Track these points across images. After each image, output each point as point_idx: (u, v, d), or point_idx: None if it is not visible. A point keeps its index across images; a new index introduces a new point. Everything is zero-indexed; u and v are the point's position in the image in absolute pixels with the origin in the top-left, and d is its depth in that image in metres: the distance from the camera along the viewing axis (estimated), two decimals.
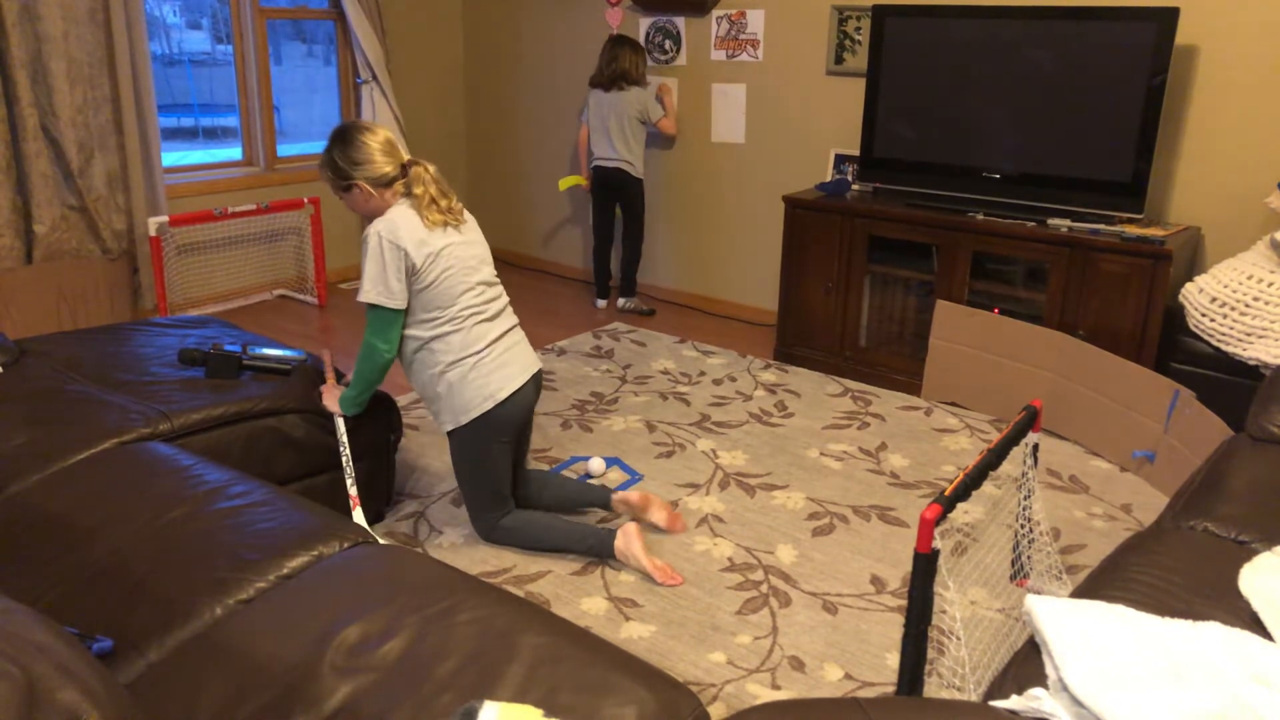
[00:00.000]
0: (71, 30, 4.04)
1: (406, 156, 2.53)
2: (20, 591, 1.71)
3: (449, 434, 2.60)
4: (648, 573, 2.56)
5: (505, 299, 2.64)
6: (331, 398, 2.60)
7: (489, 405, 2.51)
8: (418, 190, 2.47)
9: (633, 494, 2.81)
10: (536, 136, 5.56)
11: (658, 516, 2.80)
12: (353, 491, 2.58)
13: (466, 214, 2.61)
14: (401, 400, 3.70)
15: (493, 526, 2.69)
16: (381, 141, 2.47)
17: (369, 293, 2.42)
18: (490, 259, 2.62)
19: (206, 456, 2.19)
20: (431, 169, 2.52)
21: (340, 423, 2.60)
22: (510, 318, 2.64)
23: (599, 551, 2.62)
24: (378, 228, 2.43)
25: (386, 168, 2.46)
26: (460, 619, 1.55)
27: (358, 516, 2.57)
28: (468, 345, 2.50)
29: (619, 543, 2.59)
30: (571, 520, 2.69)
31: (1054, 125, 3.58)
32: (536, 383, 2.65)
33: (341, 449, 2.59)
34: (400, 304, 2.44)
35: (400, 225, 2.42)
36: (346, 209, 5.37)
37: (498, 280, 2.63)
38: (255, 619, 1.59)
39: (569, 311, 4.94)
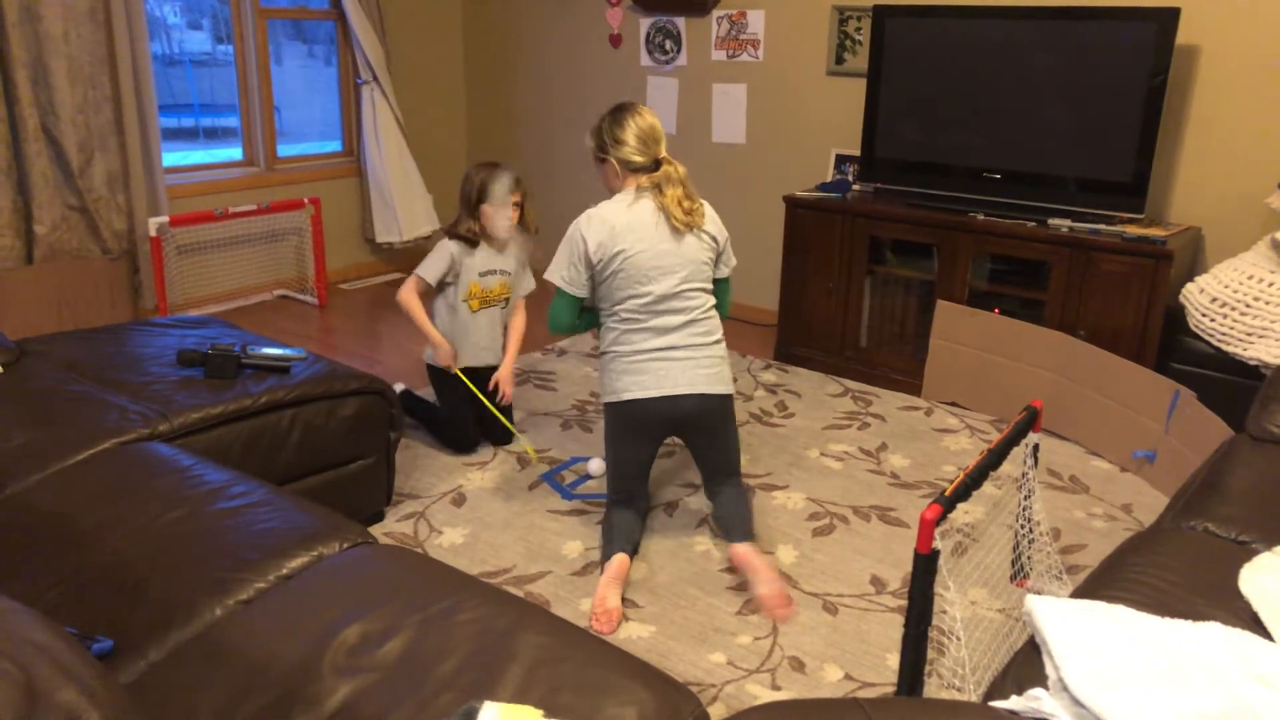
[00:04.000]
0: (72, 30, 4.04)
1: (662, 153, 2.58)
2: (20, 591, 1.71)
3: None
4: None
5: (688, 316, 2.57)
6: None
7: (614, 399, 2.61)
8: (668, 191, 2.54)
9: (741, 550, 2.54)
10: (536, 136, 5.57)
11: (762, 587, 2.48)
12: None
13: (707, 220, 2.60)
14: (398, 389, 3.70)
15: (608, 505, 2.75)
16: (643, 129, 2.56)
17: (550, 272, 2.62)
18: (697, 274, 2.57)
19: (206, 456, 2.18)
20: (681, 170, 2.57)
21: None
22: (685, 335, 2.57)
23: (601, 558, 2.61)
24: (581, 216, 2.57)
25: (637, 157, 2.55)
26: (460, 619, 1.55)
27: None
28: (617, 342, 2.60)
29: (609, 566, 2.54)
30: (621, 536, 2.61)
31: (1054, 125, 3.57)
32: (678, 404, 2.55)
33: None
34: (577, 291, 2.60)
35: (595, 217, 2.54)
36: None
37: (690, 294, 2.56)
38: (255, 619, 1.59)
39: None
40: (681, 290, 2.56)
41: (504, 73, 5.62)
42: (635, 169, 2.58)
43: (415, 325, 3.27)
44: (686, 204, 2.55)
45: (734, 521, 2.64)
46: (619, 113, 2.59)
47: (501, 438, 3.39)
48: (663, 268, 2.54)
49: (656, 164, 2.58)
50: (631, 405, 2.58)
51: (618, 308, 2.58)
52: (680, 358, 2.57)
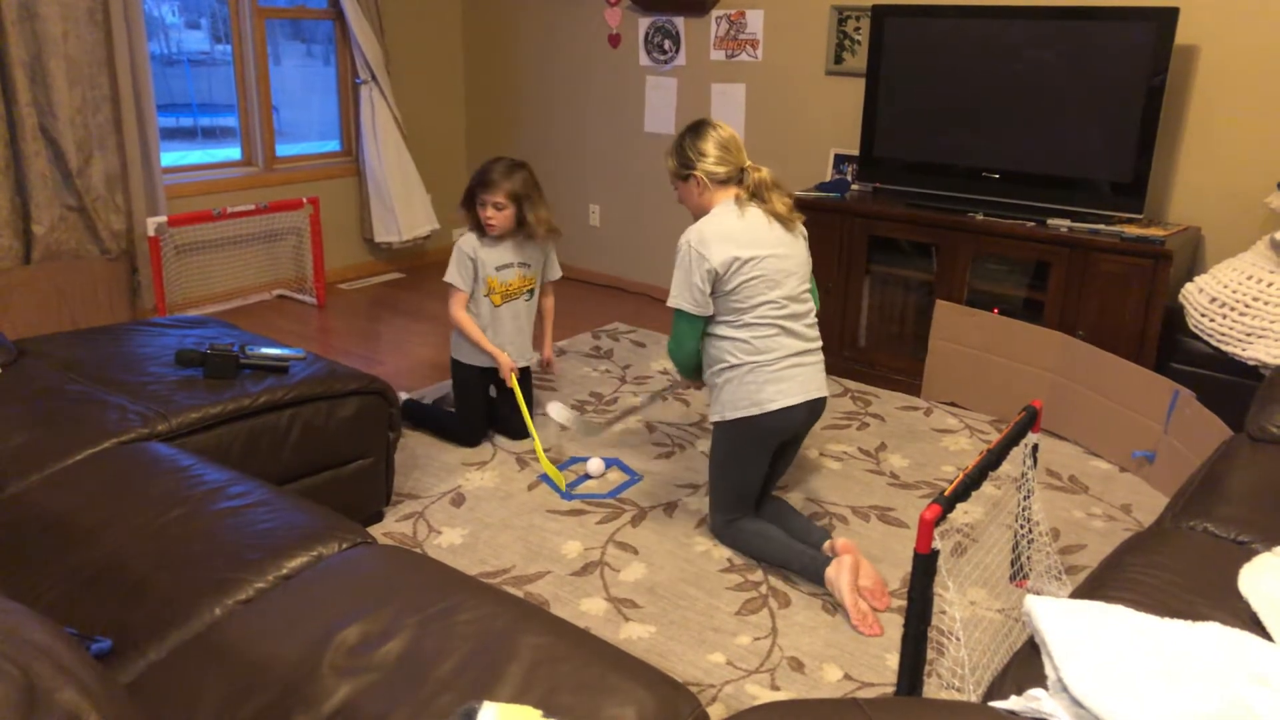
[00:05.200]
0: (70, 30, 4.03)
1: (747, 162, 2.61)
2: (20, 591, 1.71)
3: (714, 424, 2.67)
4: (847, 610, 2.43)
5: (808, 319, 2.63)
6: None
7: (754, 411, 2.55)
8: (771, 197, 2.58)
9: (840, 542, 2.56)
10: (535, 137, 5.56)
11: (867, 579, 2.53)
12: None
13: (800, 224, 2.67)
14: (402, 399, 3.70)
15: (725, 525, 2.71)
16: (724, 139, 2.58)
17: (676, 298, 2.57)
18: (806, 275, 2.63)
19: (205, 456, 2.18)
20: (770, 173, 2.61)
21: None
22: (811, 339, 2.63)
23: (811, 574, 2.54)
24: (688, 237, 2.54)
25: (721, 168, 2.57)
26: (460, 619, 1.55)
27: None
28: (754, 352, 2.55)
29: (830, 570, 2.48)
30: (795, 541, 2.61)
31: (1054, 125, 3.57)
32: (812, 408, 2.62)
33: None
34: (703, 311, 2.56)
35: (709, 234, 2.52)
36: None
37: (804, 295, 2.62)
38: (255, 619, 1.59)
39: (568, 311, 4.94)
40: (800, 292, 2.60)
41: (503, 73, 5.62)
42: (721, 180, 2.59)
43: (471, 340, 3.24)
44: (789, 201, 2.61)
45: (809, 524, 2.71)
46: (698, 128, 2.61)
47: (517, 433, 3.41)
48: (786, 270, 2.56)
49: (741, 174, 2.60)
50: (775, 415, 2.55)
51: (747, 316, 2.54)
52: (809, 361, 2.62)
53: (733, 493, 2.69)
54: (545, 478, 3.14)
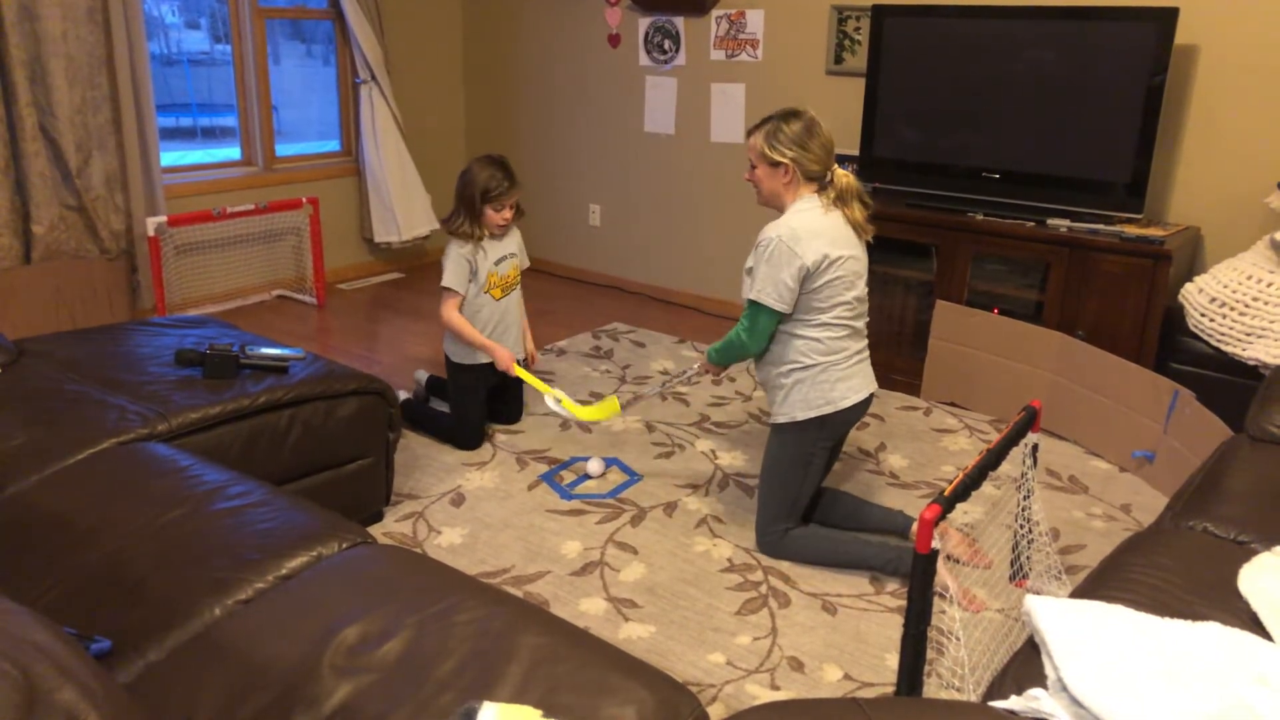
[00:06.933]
0: (70, 30, 4.03)
1: (835, 165, 2.60)
2: (19, 591, 1.71)
3: (777, 427, 2.64)
4: (954, 595, 2.42)
5: (867, 318, 2.66)
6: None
7: (827, 410, 2.55)
8: (854, 204, 2.57)
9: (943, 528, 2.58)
10: (535, 136, 5.56)
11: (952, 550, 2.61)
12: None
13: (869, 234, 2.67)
14: (401, 398, 3.69)
15: (781, 536, 2.67)
16: (827, 137, 2.56)
17: (761, 292, 2.51)
18: (866, 275, 2.63)
19: (205, 456, 2.18)
20: (855, 181, 2.60)
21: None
22: (866, 336, 2.67)
23: (897, 567, 2.54)
24: (778, 231, 2.49)
25: (818, 166, 2.55)
26: (459, 619, 1.55)
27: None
28: (829, 351, 2.56)
29: None
30: (863, 535, 2.59)
31: (1054, 125, 3.57)
32: (869, 401, 2.65)
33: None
34: (787, 308, 2.52)
35: (801, 230, 2.49)
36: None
37: (866, 297, 2.64)
38: (255, 619, 1.59)
39: (568, 311, 4.94)
40: (865, 294, 2.62)
41: (502, 72, 5.62)
42: (812, 177, 2.57)
43: (466, 340, 3.25)
44: (866, 211, 2.61)
45: (887, 511, 2.75)
46: (799, 115, 2.56)
47: (514, 416, 3.51)
48: (858, 272, 2.58)
49: (826, 175, 2.59)
50: (846, 411, 2.58)
51: (825, 316, 2.53)
52: (867, 357, 2.66)
53: (789, 500, 2.65)
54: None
